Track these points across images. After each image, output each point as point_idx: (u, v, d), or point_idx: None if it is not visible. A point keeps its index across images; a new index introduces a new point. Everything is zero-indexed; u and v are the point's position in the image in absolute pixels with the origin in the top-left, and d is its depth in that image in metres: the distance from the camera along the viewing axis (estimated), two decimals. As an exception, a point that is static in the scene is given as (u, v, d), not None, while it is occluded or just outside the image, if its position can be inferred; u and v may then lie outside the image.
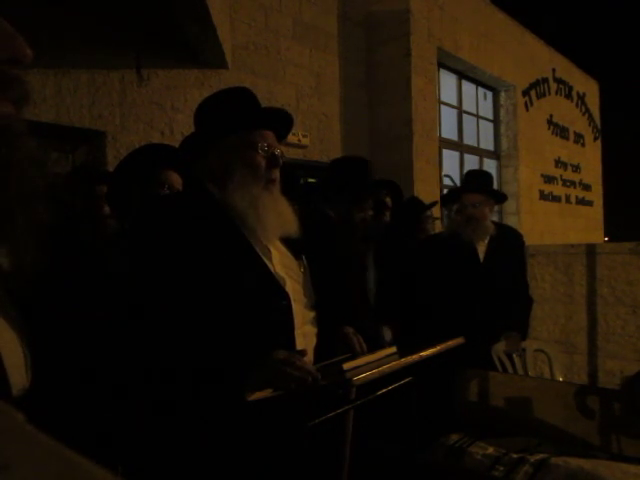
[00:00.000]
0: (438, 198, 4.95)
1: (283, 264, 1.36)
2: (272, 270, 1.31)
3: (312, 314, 1.39)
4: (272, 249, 1.36)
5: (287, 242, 1.43)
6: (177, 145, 1.97)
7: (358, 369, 1.16)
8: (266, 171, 1.34)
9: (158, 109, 3.84)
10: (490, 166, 6.97)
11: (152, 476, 1.23)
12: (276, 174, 1.37)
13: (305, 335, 1.34)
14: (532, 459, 1.69)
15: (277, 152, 1.37)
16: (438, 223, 4.21)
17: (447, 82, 6.35)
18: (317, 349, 1.39)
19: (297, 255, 1.44)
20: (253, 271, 1.27)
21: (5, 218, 0.43)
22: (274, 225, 1.33)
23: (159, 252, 1.19)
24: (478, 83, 6.88)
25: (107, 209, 2.26)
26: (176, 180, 1.90)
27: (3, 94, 0.42)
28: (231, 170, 1.32)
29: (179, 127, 3.93)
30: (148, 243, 1.22)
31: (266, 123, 1.38)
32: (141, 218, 1.31)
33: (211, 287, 1.19)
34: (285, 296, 1.29)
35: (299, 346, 1.29)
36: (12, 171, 0.42)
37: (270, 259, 1.33)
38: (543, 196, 7.60)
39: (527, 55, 7.35)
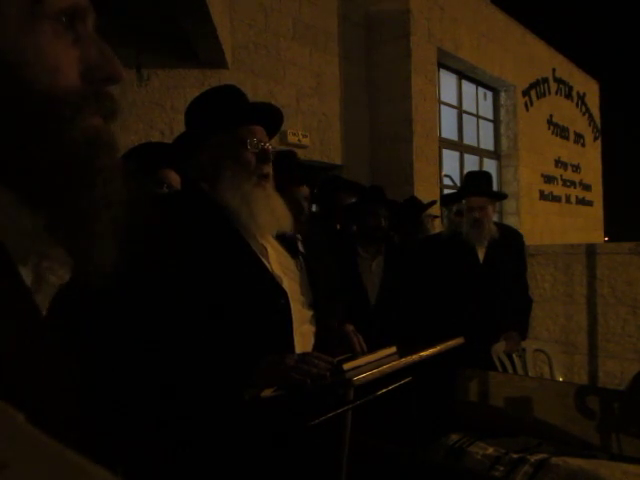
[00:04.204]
0: (438, 198, 4.96)
1: (280, 262, 1.36)
2: (269, 269, 1.31)
3: (310, 313, 1.39)
4: (269, 247, 1.35)
5: (284, 240, 1.42)
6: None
7: (358, 369, 1.16)
8: (256, 167, 1.32)
9: (158, 109, 3.84)
10: (490, 166, 6.97)
11: (152, 476, 1.23)
12: (267, 169, 1.36)
13: (303, 335, 1.33)
14: (532, 459, 1.69)
15: (267, 147, 1.35)
16: (437, 222, 4.22)
17: (447, 82, 6.35)
18: (315, 349, 1.38)
19: (294, 254, 1.43)
20: (250, 270, 1.27)
21: (89, 218, 0.47)
22: (268, 221, 1.33)
23: (156, 252, 1.19)
24: (478, 83, 6.88)
25: None
26: (174, 179, 1.90)
27: (95, 109, 0.48)
28: (221, 168, 1.31)
29: (179, 127, 3.92)
30: (145, 244, 1.22)
31: (254, 118, 1.37)
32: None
33: (209, 287, 1.19)
34: (283, 295, 1.28)
35: (297, 345, 1.28)
36: (98, 176, 0.47)
37: (267, 257, 1.32)
38: (543, 196, 7.61)
39: (527, 55, 7.35)
